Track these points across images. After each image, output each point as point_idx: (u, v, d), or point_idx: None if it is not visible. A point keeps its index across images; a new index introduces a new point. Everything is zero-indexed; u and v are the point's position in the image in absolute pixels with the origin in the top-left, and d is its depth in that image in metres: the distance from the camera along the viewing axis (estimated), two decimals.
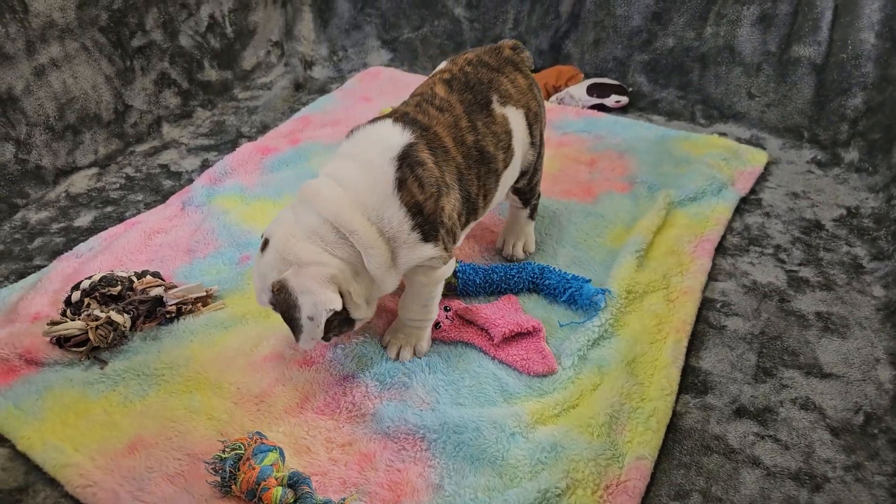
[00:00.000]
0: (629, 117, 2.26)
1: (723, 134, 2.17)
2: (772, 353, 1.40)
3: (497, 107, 1.35)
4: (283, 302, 1.16)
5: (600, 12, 2.40)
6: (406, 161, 1.19)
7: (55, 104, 2.05)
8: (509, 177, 1.41)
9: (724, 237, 1.71)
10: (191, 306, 1.49)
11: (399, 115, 1.27)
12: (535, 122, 1.44)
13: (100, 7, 2.14)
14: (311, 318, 1.15)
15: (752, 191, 1.90)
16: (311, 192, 1.20)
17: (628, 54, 2.39)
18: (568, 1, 2.45)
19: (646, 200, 1.79)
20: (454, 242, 1.30)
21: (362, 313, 1.25)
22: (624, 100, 2.31)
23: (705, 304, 1.51)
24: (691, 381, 1.34)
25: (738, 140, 2.12)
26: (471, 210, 1.33)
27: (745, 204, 1.85)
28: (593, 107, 2.30)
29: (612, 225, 1.72)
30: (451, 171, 1.25)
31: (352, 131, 1.28)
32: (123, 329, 1.40)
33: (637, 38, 2.36)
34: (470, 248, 1.66)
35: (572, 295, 1.42)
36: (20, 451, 1.22)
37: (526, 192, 1.54)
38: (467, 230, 1.39)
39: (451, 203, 1.24)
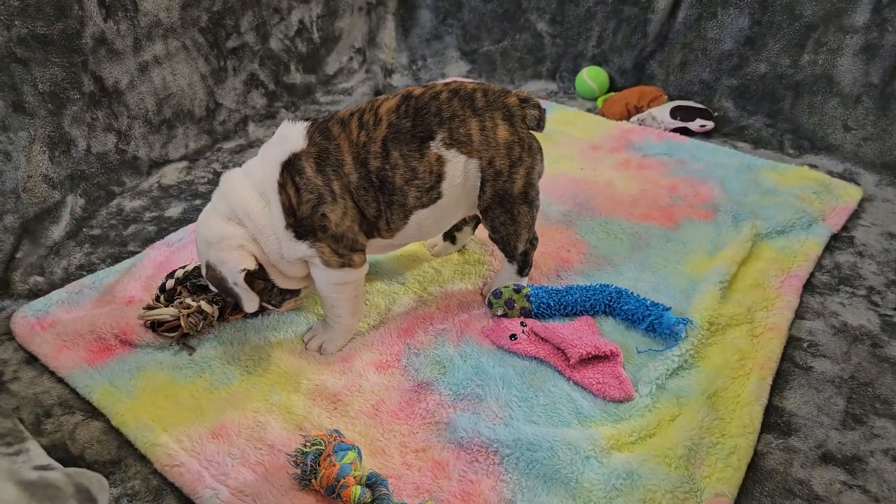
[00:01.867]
0: (713, 142, 2.21)
1: (813, 166, 2.09)
2: (862, 400, 1.33)
3: (436, 146, 1.30)
4: (214, 278, 1.34)
5: (690, 34, 2.36)
6: (288, 168, 1.30)
7: (154, 99, 2.16)
8: (431, 217, 1.37)
9: (812, 274, 1.64)
10: None
11: (317, 122, 1.35)
12: (493, 178, 1.34)
13: (201, 9, 2.25)
14: (236, 284, 1.30)
15: (844, 228, 1.82)
16: (226, 181, 1.37)
17: (716, 78, 2.34)
18: (657, 21, 2.41)
19: (730, 230, 1.74)
20: (353, 250, 1.34)
21: (288, 284, 1.40)
22: (709, 124, 2.26)
23: (791, 342, 1.45)
24: (774, 420, 1.29)
25: (830, 173, 2.04)
26: (371, 228, 1.37)
27: (836, 241, 1.77)
28: (676, 130, 2.26)
29: (694, 253, 1.68)
30: (341, 184, 1.31)
31: (282, 123, 1.38)
32: (212, 318, 1.47)
33: (727, 62, 2.30)
34: (545, 265, 1.65)
35: (652, 323, 1.39)
36: (114, 426, 1.29)
37: (498, 243, 1.46)
38: (383, 244, 1.42)
39: (339, 212, 1.31)
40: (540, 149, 1.41)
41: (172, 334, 1.45)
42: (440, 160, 1.31)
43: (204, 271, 1.37)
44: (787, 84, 2.20)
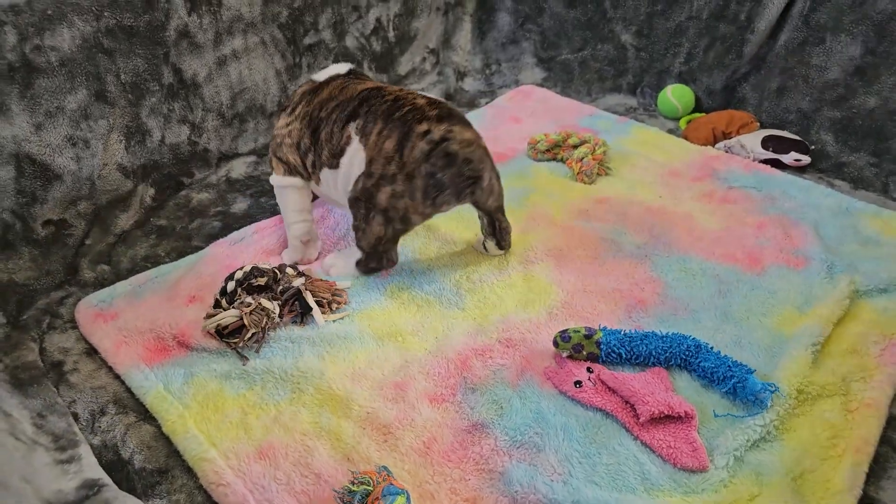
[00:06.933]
0: (807, 178, 2.04)
1: None
2: None
3: (352, 127, 1.55)
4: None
5: (791, 58, 2.18)
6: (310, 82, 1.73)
7: (229, 93, 2.16)
8: (331, 180, 1.61)
9: None
10: (323, 296, 1.54)
11: (353, 71, 1.76)
12: (366, 176, 1.51)
13: (282, 4, 2.23)
14: None
15: None
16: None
17: (816, 108, 2.15)
18: (755, 42, 2.24)
19: (824, 282, 1.59)
20: (277, 157, 1.70)
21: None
22: (805, 159, 2.07)
23: (892, 422, 1.31)
24: None
25: None
26: (304, 163, 1.67)
27: None
28: (766, 161, 2.09)
29: (782, 305, 1.53)
30: (304, 112, 1.65)
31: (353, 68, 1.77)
32: (273, 315, 1.44)
33: (831, 91, 2.11)
34: (616, 302, 1.55)
35: (735, 385, 1.27)
36: (165, 432, 1.28)
37: (354, 231, 1.66)
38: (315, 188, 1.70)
39: (284, 123, 1.69)
40: (426, 191, 1.48)
41: (236, 339, 1.43)
42: (348, 139, 1.55)
43: None
44: None
